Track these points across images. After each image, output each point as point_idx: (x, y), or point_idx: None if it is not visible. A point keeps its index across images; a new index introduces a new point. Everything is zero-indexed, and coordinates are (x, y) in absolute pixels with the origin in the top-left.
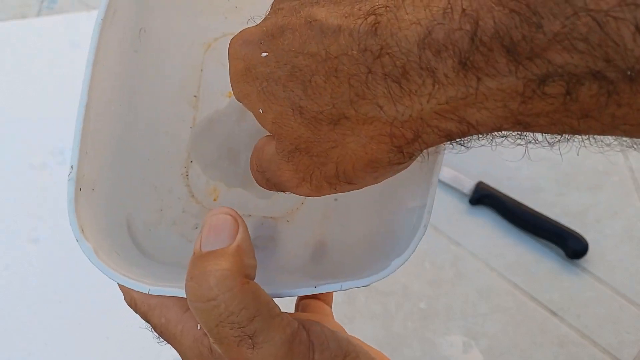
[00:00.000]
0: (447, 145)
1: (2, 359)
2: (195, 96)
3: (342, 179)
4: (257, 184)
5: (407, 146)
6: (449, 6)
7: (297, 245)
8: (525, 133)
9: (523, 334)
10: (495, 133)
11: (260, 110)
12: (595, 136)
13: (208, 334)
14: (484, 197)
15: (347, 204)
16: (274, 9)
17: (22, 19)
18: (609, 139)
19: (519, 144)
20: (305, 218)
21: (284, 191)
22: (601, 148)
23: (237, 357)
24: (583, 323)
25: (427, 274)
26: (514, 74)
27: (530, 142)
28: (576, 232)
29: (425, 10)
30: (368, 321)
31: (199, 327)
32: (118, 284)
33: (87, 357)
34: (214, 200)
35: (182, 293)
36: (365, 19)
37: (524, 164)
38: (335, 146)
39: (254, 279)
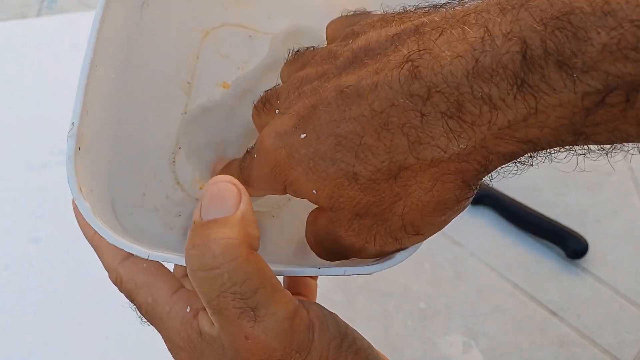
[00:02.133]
0: (512, 166)
1: (2, 359)
2: (188, 83)
3: (410, 231)
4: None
5: (474, 178)
6: (488, 34)
7: (282, 240)
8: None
9: (523, 334)
10: (551, 148)
11: (314, 192)
12: None
13: (207, 305)
14: (484, 197)
15: None
16: (294, 95)
17: (22, 19)
18: None
19: (575, 154)
20: (291, 214)
21: (346, 258)
22: None
23: (235, 331)
24: (583, 323)
25: (427, 274)
26: (571, 89)
27: (582, 153)
28: (576, 232)
29: (462, 43)
30: (368, 321)
31: (188, 310)
32: (102, 261)
33: (87, 357)
34: (200, 189)
35: (182, 261)
36: (401, 67)
37: None
38: (398, 200)
39: (257, 250)
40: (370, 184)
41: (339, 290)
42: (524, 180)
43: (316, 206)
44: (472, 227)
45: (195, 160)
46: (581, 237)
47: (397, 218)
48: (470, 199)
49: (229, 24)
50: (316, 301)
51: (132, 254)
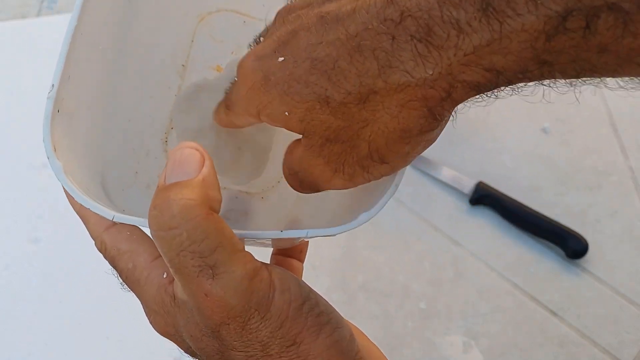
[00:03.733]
0: (476, 100)
1: (2, 359)
2: (183, 65)
3: (376, 158)
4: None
5: (438, 107)
6: None
7: (270, 222)
8: (544, 77)
9: (523, 334)
10: (518, 81)
11: (286, 114)
12: (610, 79)
13: (169, 265)
14: (483, 197)
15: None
16: (279, 22)
17: (22, 19)
18: (624, 80)
19: (541, 85)
20: (280, 196)
21: (318, 190)
22: (615, 89)
23: (195, 289)
24: (583, 323)
25: (427, 274)
26: (534, 13)
27: (549, 85)
28: (576, 232)
29: None
30: (368, 321)
31: (165, 276)
32: (89, 229)
33: (87, 357)
34: None
35: (145, 223)
36: None
37: (524, 164)
38: (365, 125)
39: (218, 213)
40: (341, 108)
41: (339, 290)
42: (524, 180)
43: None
44: (472, 227)
45: (186, 140)
46: (581, 237)
47: (364, 144)
48: (435, 134)
49: (224, 10)
50: None
51: (116, 223)
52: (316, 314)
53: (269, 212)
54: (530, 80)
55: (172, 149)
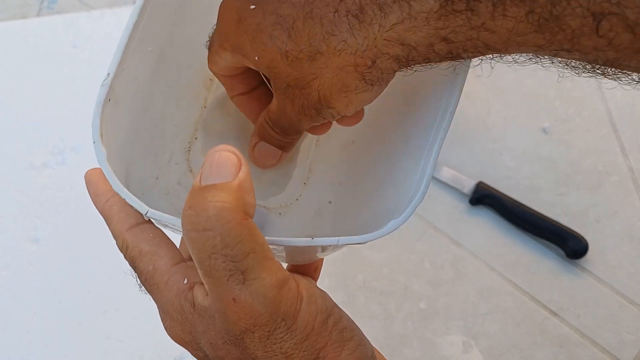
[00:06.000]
0: (407, 70)
1: (2, 359)
2: (211, 79)
3: (324, 104)
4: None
5: (367, 73)
6: None
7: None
8: (456, 57)
9: (523, 334)
10: (432, 56)
11: (256, 58)
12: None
13: (199, 267)
14: (484, 197)
15: (341, 204)
16: None
17: (22, 19)
18: (523, 56)
19: (453, 64)
20: (298, 213)
21: (293, 133)
22: (513, 64)
23: (224, 293)
24: (583, 323)
25: (427, 274)
26: None
27: (458, 64)
28: (576, 232)
29: None
30: (368, 321)
31: (185, 282)
32: (111, 228)
33: (87, 357)
34: None
35: (178, 222)
36: None
37: (524, 164)
38: (315, 78)
39: (252, 218)
40: (296, 62)
41: (339, 290)
42: (524, 180)
43: None
44: (472, 227)
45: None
46: (581, 237)
47: (314, 92)
48: (370, 95)
49: None
50: None
51: (140, 223)
52: (340, 329)
53: (286, 228)
54: (443, 59)
55: (210, 151)
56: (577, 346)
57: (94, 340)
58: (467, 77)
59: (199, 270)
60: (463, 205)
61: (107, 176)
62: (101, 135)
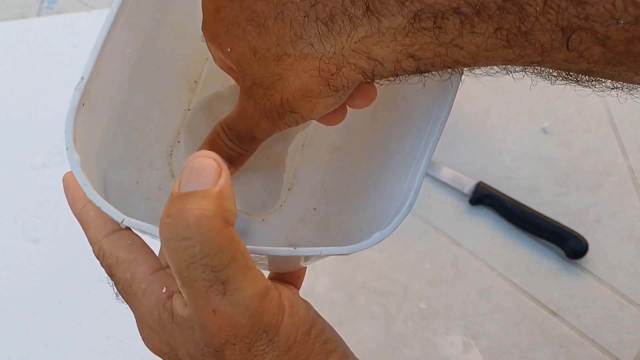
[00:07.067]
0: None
1: (2, 359)
2: (195, 82)
3: (287, 108)
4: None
5: (332, 79)
6: None
7: (269, 245)
8: (423, 70)
9: (523, 334)
10: (400, 71)
11: (229, 50)
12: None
13: (177, 277)
14: (484, 197)
15: (325, 212)
16: None
17: (22, 19)
18: (494, 68)
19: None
20: (281, 220)
21: (247, 141)
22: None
23: (203, 304)
24: (583, 323)
25: (427, 274)
26: (400, 14)
27: (426, 77)
28: (576, 232)
29: None
30: (368, 321)
31: (164, 290)
32: (88, 234)
33: (87, 357)
34: None
35: (156, 231)
36: None
37: (524, 164)
38: (279, 79)
39: (233, 226)
40: (263, 60)
41: (340, 290)
42: (524, 181)
43: None
44: (472, 227)
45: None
46: (581, 237)
47: (278, 95)
48: (333, 101)
49: None
50: (314, 299)
51: (117, 230)
52: (323, 340)
53: (269, 235)
54: (411, 74)
55: (189, 156)
56: (577, 346)
57: (94, 340)
58: (467, 77)
59: (177, 280)
60: (463, 205)
61: (80, 183)
62: (74, 141)
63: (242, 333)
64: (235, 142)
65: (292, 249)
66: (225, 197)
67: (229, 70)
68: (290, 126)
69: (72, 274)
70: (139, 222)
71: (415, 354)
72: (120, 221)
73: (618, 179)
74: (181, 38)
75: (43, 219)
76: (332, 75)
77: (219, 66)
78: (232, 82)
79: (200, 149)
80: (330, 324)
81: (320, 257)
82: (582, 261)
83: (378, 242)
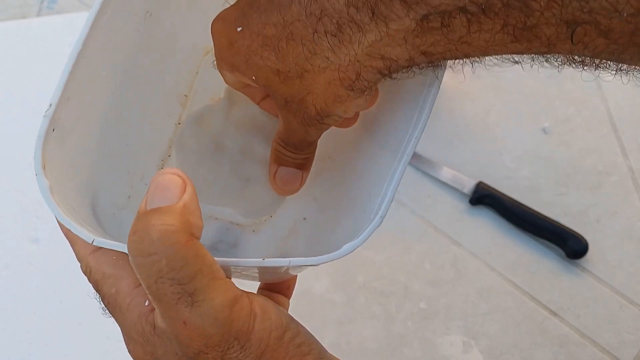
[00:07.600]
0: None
1: (2, 359)
2: (185, 95)
3: (323, 115)
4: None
5: (355, 84)
6: None
7: (260, 255)
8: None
9: (523, 334)
10: (414, 66)
11: (254, 78)
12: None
13: (147, 292)
14: (484, 197)
15: (316, 221)
16: None
17: (22, 19)
18: (495, 59)
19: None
20: (272, 231)
21: (305, 147)
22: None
23: (174, 316)
24: (583, 323)
25: (427, 274)
26: (407, 16)
27: (440, 67)
28: (576, 232)
29: None
30: (368, 321)
31: (146, 304)
32: (75, 252)
33: (87, 357)
34: None
35: (125, 248)
36: None
37: (524, 164)
38: (308, 93)
39: (199, 239)
40: (287, 80)
41: (339, 290)
42: (524, 181)
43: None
44: (472, 227)
45: (183, 168)
46: (581, 237)
47: (311, 107)
48: (364, 99)
49: None
50: (314, 300)
51: (102, 247)
52: (297, 344)
53: (260, 246)
54: (426, 66)
55: (155, 174)
56: (577, 346)
57: (94, 340)
58: (468, 76)
59: (148, 295)
60: (463, 205)
61: (50, 208)
62: (43, 167)
63: (213, 342)
64: (297, 152)
65: (260, 259)
66: (189, 212)
67: (243, 89)
68: (334, 125)
69: (72, 274)
70: (109, 241)
71: (415, 354)
72: (90, 241)
73: (618, 179)
74: (169, 54)
75: (43, 219)
76: (354, 81)
77: (232, 87)
78: (222, 95)
79: (270, 170)
80: (330, 324)
81: (300, 267)
82: (582, 261)
83: (348, 254)
